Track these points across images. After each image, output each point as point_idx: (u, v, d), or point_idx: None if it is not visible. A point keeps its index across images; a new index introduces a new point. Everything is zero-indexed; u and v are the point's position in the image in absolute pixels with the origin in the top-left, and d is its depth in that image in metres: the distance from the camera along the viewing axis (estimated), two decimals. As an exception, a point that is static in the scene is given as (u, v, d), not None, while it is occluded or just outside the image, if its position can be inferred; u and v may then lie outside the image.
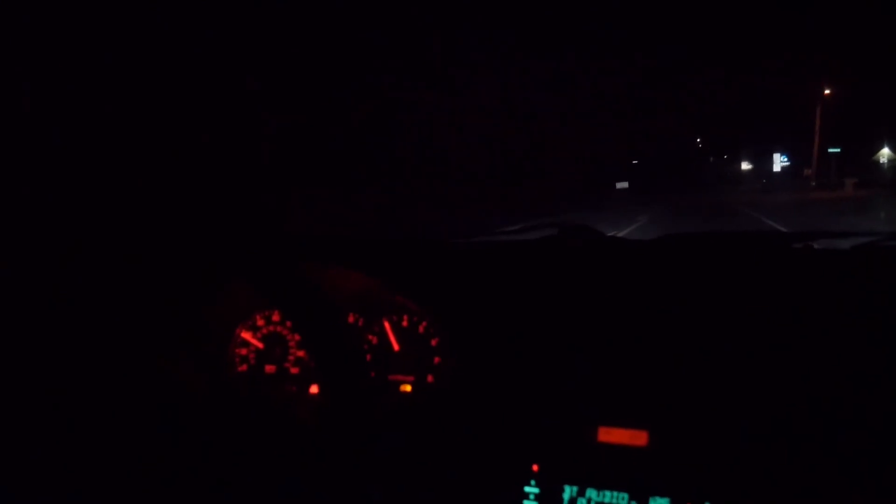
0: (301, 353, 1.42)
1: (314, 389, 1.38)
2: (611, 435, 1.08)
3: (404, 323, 1.37)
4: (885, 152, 39.81)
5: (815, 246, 1.34)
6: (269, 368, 1.44)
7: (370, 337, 1.38)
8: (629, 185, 36.44)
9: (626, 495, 1.04)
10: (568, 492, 1.06)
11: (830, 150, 37.44)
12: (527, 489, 1.08)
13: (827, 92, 35.33)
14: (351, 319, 1.40)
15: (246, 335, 1.46)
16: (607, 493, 1.05)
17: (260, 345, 1.45)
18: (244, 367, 1.45)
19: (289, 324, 1.43)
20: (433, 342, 1.34)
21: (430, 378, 1.33)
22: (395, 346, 1.37)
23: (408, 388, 1.34)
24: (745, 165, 60.26)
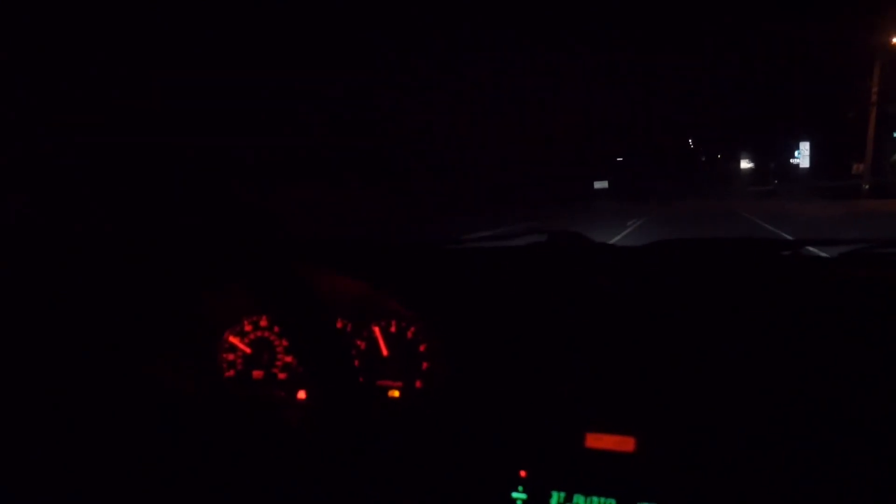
0: (289, 359, 1.41)
1: (302, 395, 1.37)
2: (599, 441, 1.08)
3: (392, 328, 1.37)
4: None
5: (804, 253, 1.34)
6: (257, 374, 1.43)
7: (358, 342, 1.38)
8: (609, 185, 31.75)
9: (613, 501, 1.03)
10: (555, 497, 1.06)
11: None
12: (514, 495, 1.07)
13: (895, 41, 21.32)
14: (339, 324, 1.39)
15: (234, 340, 1.45)
16: (595, 499, 1.04)
17: (248, 350, 1.44)
18: (231, 373, 1.44)
19: (277, 329, 1.43)
20: (421, 348, 1.34)
21: (418, 383, 1.33)
22: (384, 352, 1.36)
23: (396, 393, 1.34)
24: (746, 164, 51.03)
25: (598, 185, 32.39)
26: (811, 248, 1.49)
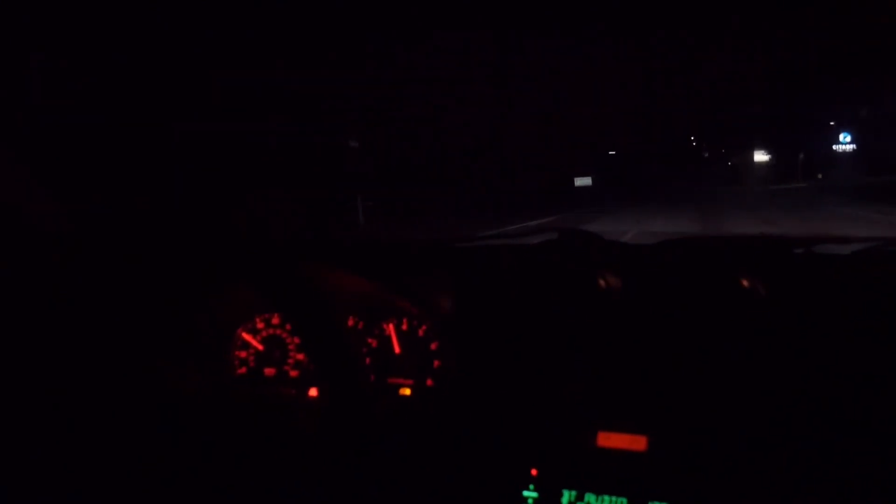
0: (300, 356, 1.42)
1: (313, 392, 1.37)
2: (610, 440, 1.08)
3: (404, 326, 1.37)
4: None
5: (816, 251, 1.33)
6: (269, 371, 1.44)
7: (370, 340, 1.38)
8: (592, 181, 28.70)
9: (624, 500, 1.03)
10: (567, 496, 1.06)
11: None
12: (525, 493, 1.08)
13: None
14: (351, 322, 1.40)
15: (246, 337, 1.46)
16: (606, 498, 1.04)
17: (260, 347, 1.45)
18: (243, 370, 1.45)
19: (288, 326, 1.43)
20: (433, 346, 1.34)
21: (429, 381, 1.33)
22: (396, 350, 1.37)
23: (407, 391, 1.34)
24: (761, 156, 43.56)
25: (579, 182, 28.88)
26: (824, 247, 1.48)
